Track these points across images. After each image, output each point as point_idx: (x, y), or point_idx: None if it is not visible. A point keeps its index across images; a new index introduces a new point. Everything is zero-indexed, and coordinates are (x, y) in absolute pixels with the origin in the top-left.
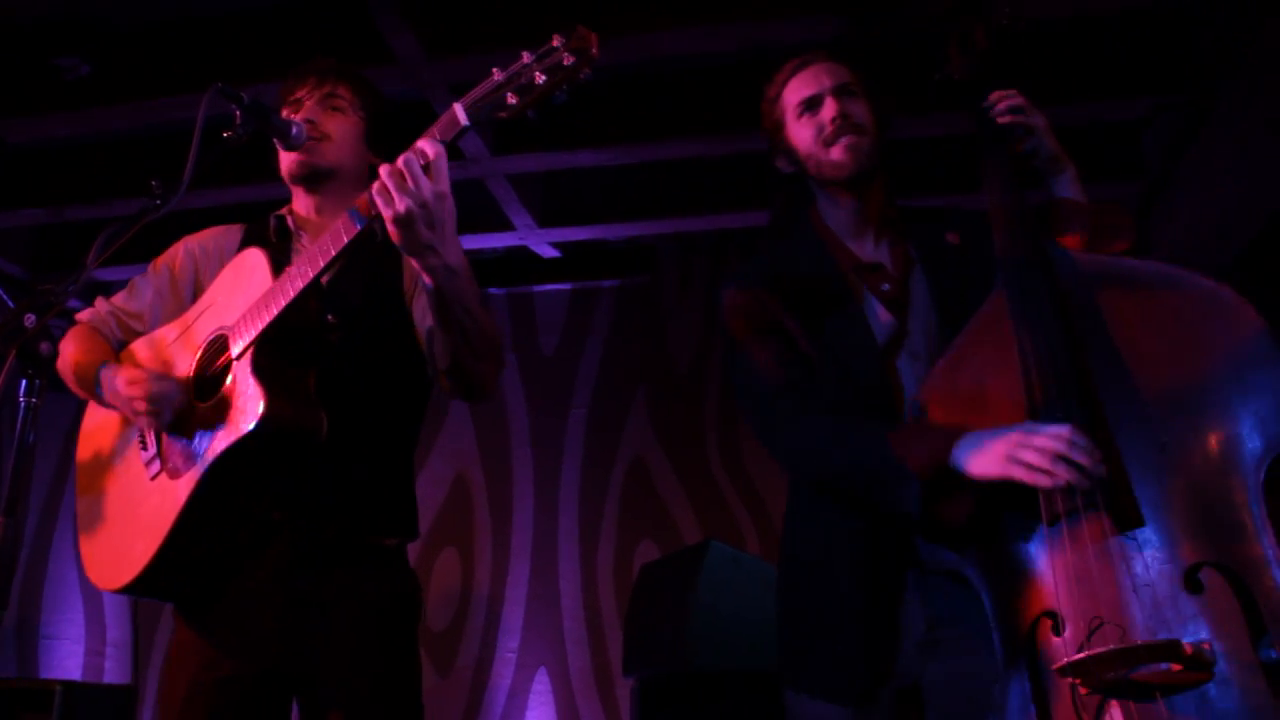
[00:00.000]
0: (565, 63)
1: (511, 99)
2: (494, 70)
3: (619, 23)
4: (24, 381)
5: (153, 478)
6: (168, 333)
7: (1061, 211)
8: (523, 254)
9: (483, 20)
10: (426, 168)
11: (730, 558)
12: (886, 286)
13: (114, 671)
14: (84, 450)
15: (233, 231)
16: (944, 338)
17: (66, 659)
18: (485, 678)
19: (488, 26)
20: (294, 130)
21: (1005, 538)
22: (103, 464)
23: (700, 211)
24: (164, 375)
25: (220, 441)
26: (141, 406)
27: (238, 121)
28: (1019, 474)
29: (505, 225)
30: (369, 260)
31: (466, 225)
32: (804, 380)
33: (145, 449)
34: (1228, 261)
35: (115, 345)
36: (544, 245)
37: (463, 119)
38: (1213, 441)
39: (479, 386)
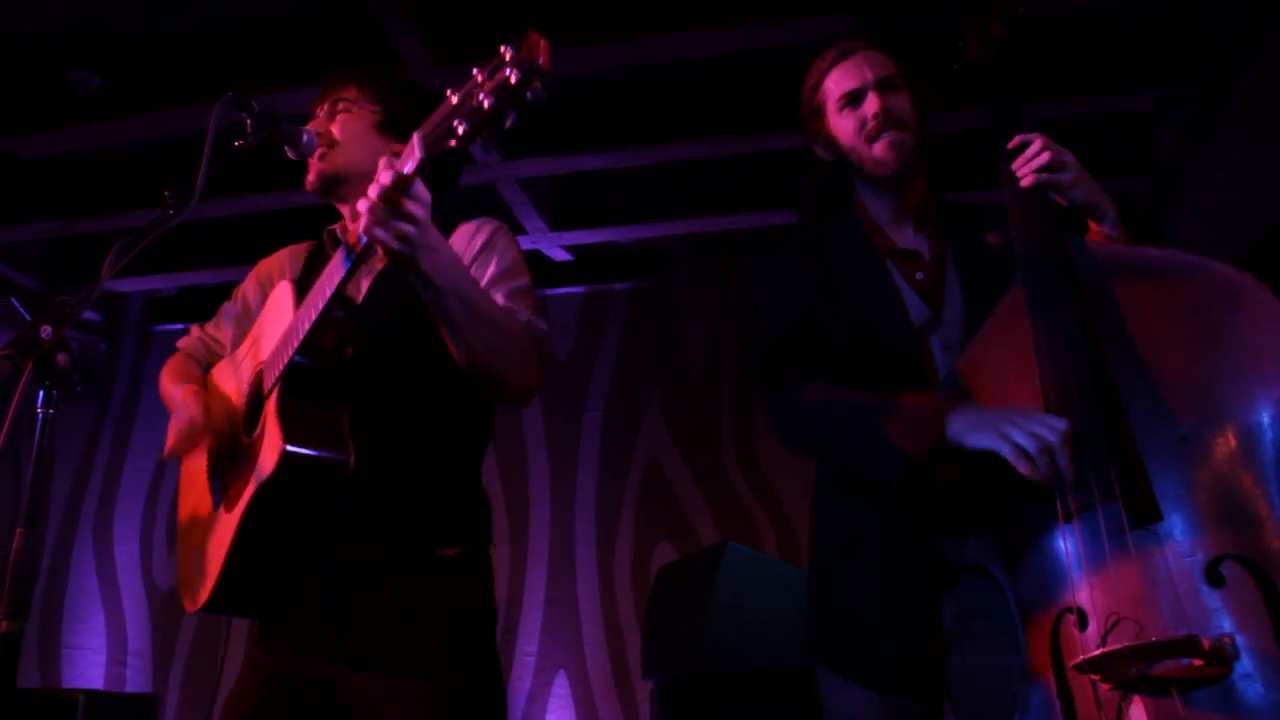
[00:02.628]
0: (512, 80)
1: (460, 127)
2: (449, 92)
3: (625, 26)
4: (41, 393)
5: (214, 507)
6: (240, 354)
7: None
8: (535, 258)
9: (491, 25)
10: (390, 201)
11: (748, 558)
12: (921, 275)
13: (135, 681)
14: (183, 478)
15: (299, 251)
16: (973, 333)
17: (88, 668)
18: (505, 681)
19: (496, 31)
20: (305, 138)
21: (1027, 533)
22: (188, 489)
23: (711, 212)
24: (227, 401)
25: (256, 478)
26: (200, 431)
27: (248, 130)
28: (1005, 450)
29: (517, 229)
30: (395, 282)
31: None
32: (815, 353)
33: (213, 478)
34: (1242, 254)
35: (203, 368)
36: (556, 249)
37: (419, 151)
38: (1232, 432)
39: (504, 388)
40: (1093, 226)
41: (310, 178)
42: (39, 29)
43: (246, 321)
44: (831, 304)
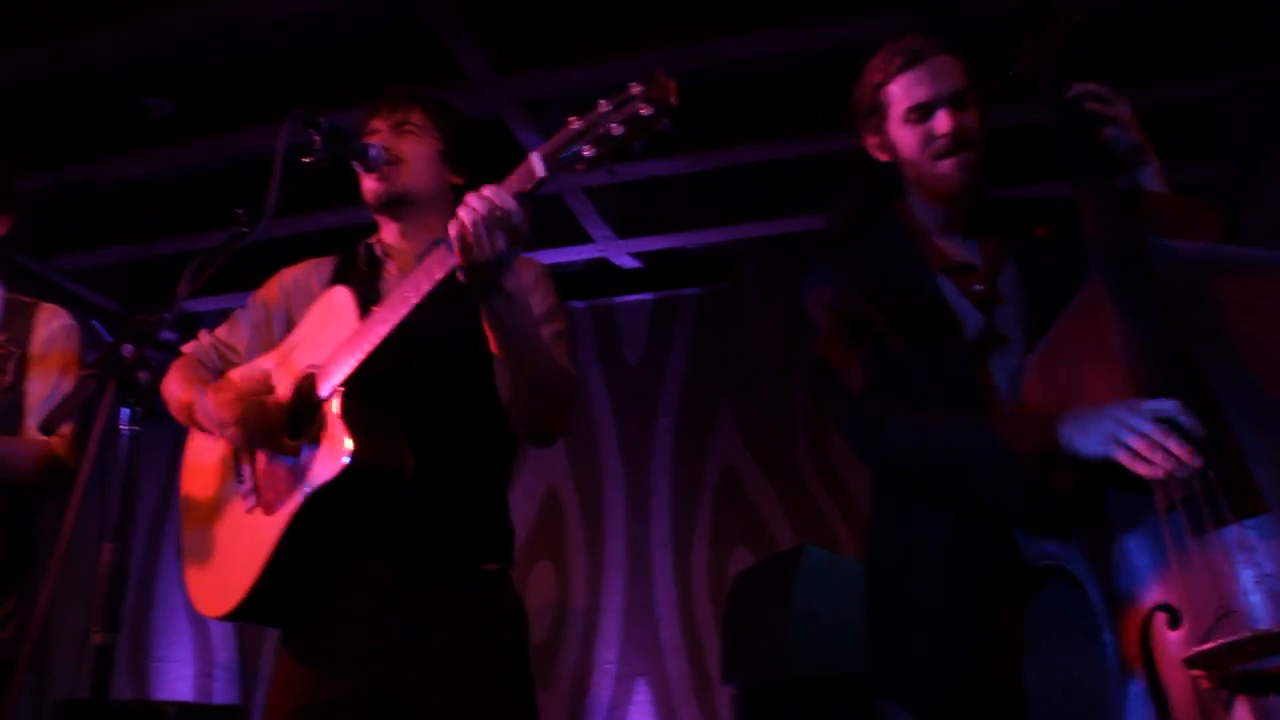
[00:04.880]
0: (643, 113)
1: (588, 151)
2: (570, 119)
3: (685, 31)
4: (125, 410)
5: (249, 510)
6: (265, 362)
7: (1146, 204)
8: (603, 266)
9: (551, 36)
10: (503, 219)
11: (826, 561)
12: (978, 287)
13: (223, 692)
14: (186, 481)
15: (325, 264)
16: (1037, 332)
17: (177, 681)
18: (585, 690)
19: (556, 42)
20: (372, 152)
21: (1115, 527)
22: (203, 495)
23: (777, 215)
24: (254, 397)
25: (309, 483)
26: (231, 426)
27: (317, 146)
28: (1122, 457)
29: (584, 238)
30: (454, 298)
31: (545, 240)
32: (894, 380)
33: (241, 481)
34: None
35: (216, 375)
36: (623, 256)
37: (539, 170)
38: None
39: (540, 427)
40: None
41: (375, 191)
42: (114, 59)
43: (265, 329)
44: (884, 321)
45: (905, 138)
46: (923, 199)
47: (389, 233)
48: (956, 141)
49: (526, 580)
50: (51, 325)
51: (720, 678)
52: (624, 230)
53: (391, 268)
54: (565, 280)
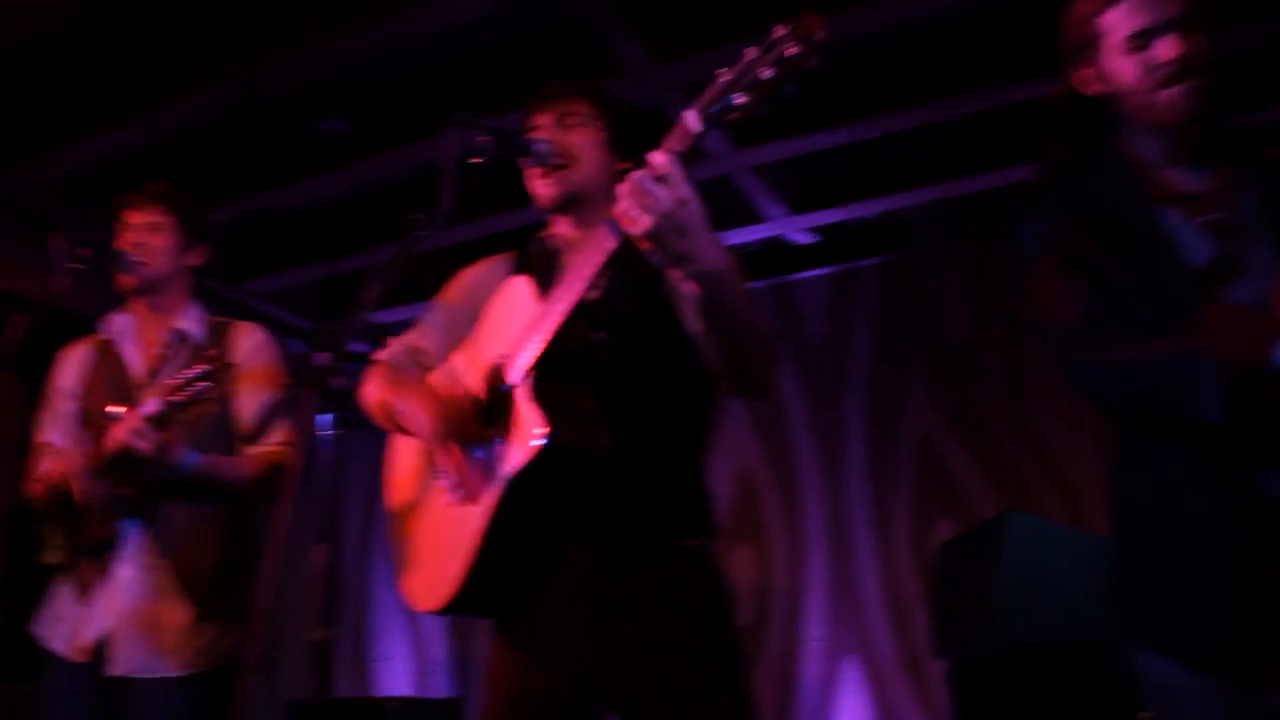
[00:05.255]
0: (791, 53)
1: (740, 99)
2: (719, 72)
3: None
4: (325, 416)
5: (452, 505)
6: (456, 361)
7: None
8: (778, 244)
9: (706, 18)
10: (663, 180)
11: (1032, 527)
12: (1207, 217)
13: (440, 686)
14: (391, 483)
15: (503, 260)
16: (1276, 260)
17: (397, 678)
18: (793, 669)
19: (711, 24)
20: (539, 147)
21: None
22: (408, 494)
23: (954, 176)
24: (451, 400)
25: (507, 469)
26: (429, 426)
27: (484, 148)
28: None
29: (756, 217)
30: (635, 272)
31: (717, 223)
32: (1116, 313)
33: (443, 477)
34: None
35: (411, 379)
36: (798, 232)
37: (694, 125)
38: None
39: (757, 386)
40: None
41: (547, 191)
42: (287, 88)
43: (453, 329)
44: (1105, 255)
45: (1125, 67)
46: (1145, 130)
47: (562, 226)
48: (1182, 68)
49: (727, 564)
50: (250, 342)
51: (932, 652)
52: (797, 206)
53: (568, 259)
54: (741, 262)
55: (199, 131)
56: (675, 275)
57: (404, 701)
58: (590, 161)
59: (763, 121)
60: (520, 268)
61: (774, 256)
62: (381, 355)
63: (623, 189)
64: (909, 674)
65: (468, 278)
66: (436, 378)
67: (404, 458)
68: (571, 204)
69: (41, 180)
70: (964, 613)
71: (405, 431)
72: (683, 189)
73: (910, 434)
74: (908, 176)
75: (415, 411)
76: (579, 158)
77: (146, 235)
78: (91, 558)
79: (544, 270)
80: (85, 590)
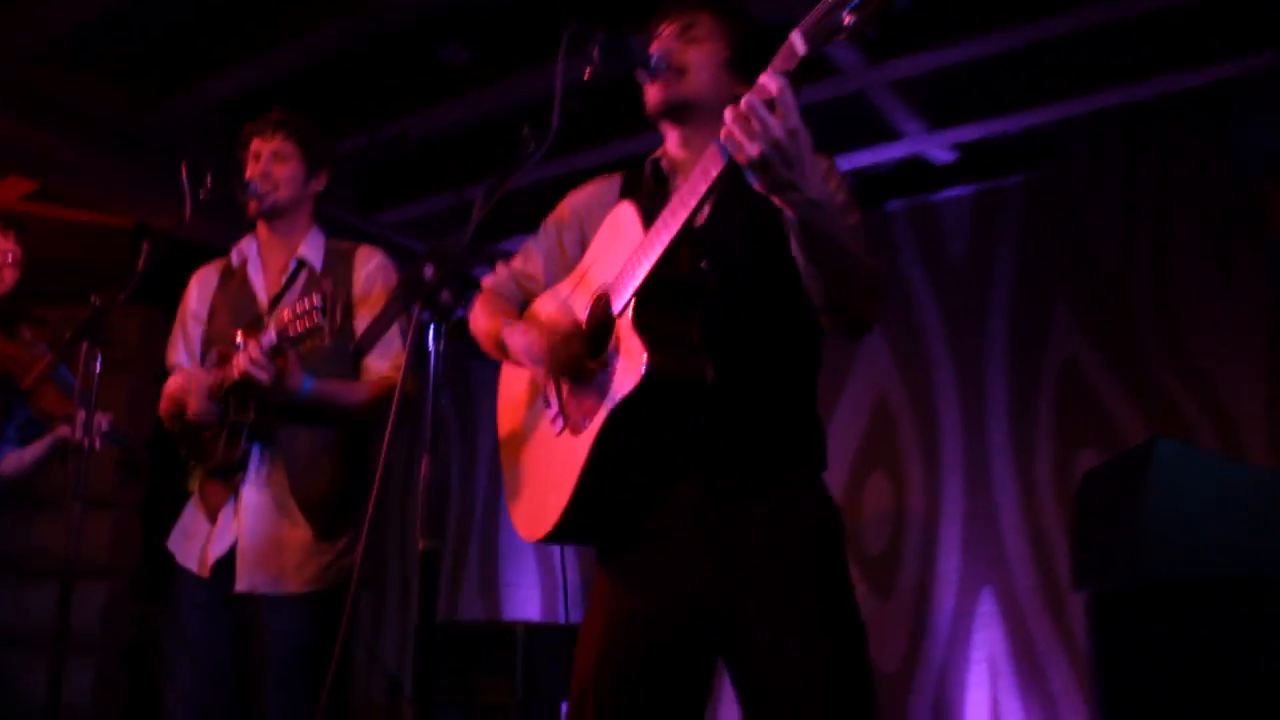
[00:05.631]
0: None
1: (848, 18)
2: None
3: None
4: (431, 328)
5: (558, 433)
6: (563, 288)
7: None
8: (917, 163)
9: None
10: (771, 104)
11: (1183, 455)
12: None
13: (568, 612)
14: (501, 412)
15: (612, 182)
16: None
17: (525, 604)
18: (927, 599)
19: None
20: (653, 59)
21: None
22: (517, 424)
23: (1102, 87)
24: (557, 329)
25: (611, 399)
26: (540, 360)
27: (596, 59)
28: None
29: (893, 135)
30: (743, 198)
31: (852, 142)
32: None
33: (549, 406)
34: None
35: (517, 305)
36: (938, 149)
37: (801, 48)
38: None
39: (857, 323)
40: None
41: (656, 99)
42: (410, 15)
43: (560, 253)
44: None
45: None
46: None
47: (672, 143)
48: None
49: (861, 492)
50: (369, 265)
51: (1071, 584)
52: (936, 121)
53: (680, 181)
54: (877, 182)
55: (323, 66)
56: (777, 202)
57: (529, 627)
58: (704, 77)
59: (899, 34)
60: (628, 190)
61: (911, 175)
62: (487, 281)
63: (728, 114)
64: (1048, 607)
65: (578, 199)
66: (543, 304)
67: (512, 386)
68: (678, 114)
69: (175, 118)
70: (1107, 544)
71: (509, 359)
72: (793, 118)
73: (1054, 360)
74: (1053, 88)
75: (522, 344)
76: (693, 71)
77: (272, 164)
78: (218, 479)
79: (652, 195)
80: (212, 511)
